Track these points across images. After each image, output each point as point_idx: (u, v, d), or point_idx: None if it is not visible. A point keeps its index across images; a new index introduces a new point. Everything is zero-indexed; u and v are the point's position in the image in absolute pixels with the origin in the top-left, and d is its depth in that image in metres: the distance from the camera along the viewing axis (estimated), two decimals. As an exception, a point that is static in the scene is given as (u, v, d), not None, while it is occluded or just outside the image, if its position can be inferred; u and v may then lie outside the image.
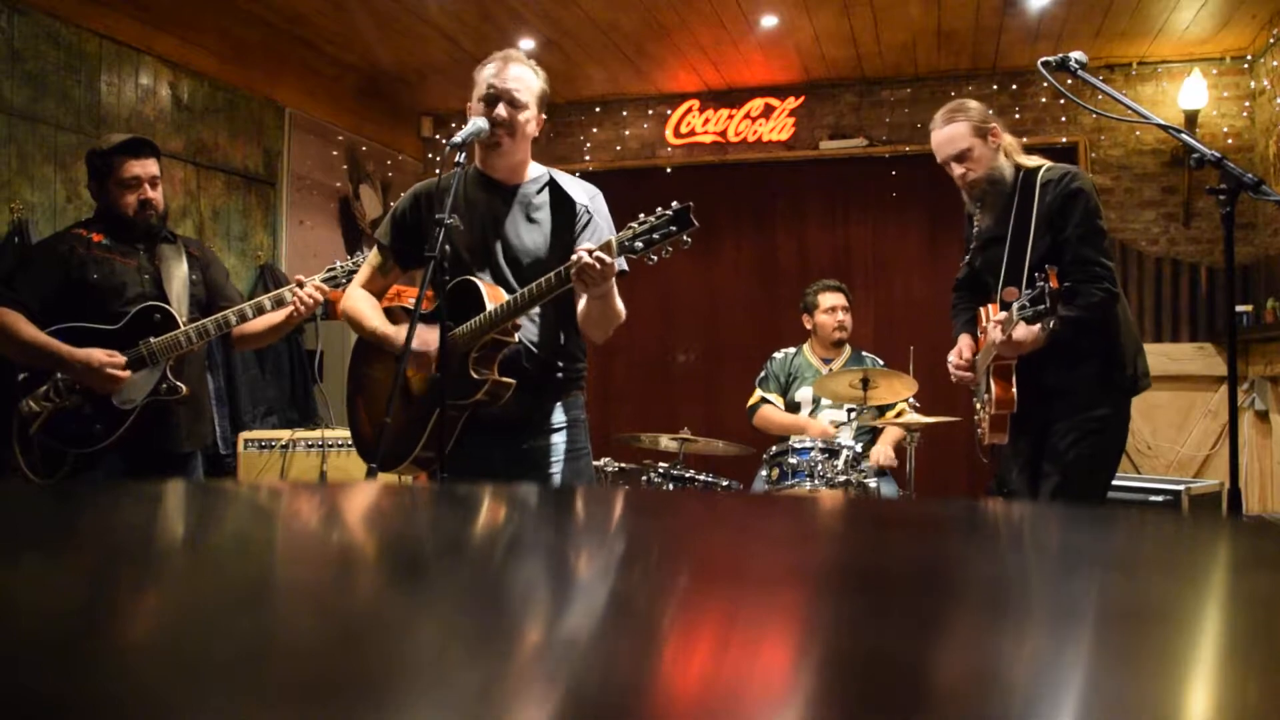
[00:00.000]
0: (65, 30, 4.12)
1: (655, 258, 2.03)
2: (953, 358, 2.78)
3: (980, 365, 2.70)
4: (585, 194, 2.28)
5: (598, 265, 1.97)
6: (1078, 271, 2.45)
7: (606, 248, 2.00)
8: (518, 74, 2.21)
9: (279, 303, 2.66)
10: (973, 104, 2.69)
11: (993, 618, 0.41)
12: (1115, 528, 0.69)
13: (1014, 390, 2.57)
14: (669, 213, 2.01)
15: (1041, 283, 2.29)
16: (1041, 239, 2.53)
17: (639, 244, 2.00)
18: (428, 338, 2.17)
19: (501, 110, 2.18)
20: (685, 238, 2.00)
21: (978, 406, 2.77)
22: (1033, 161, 2.64)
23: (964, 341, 2.80)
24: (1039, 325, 2.39)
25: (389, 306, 2.36)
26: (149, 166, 2.67)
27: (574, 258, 2.00)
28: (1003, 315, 2.47)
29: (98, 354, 2.53)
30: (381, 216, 5.80)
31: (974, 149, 2.61)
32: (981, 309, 2.75)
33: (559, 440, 2.25)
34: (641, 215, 2.03)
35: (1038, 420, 2.59)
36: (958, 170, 2.65)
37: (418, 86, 6.04)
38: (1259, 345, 5.00)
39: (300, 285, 2.66)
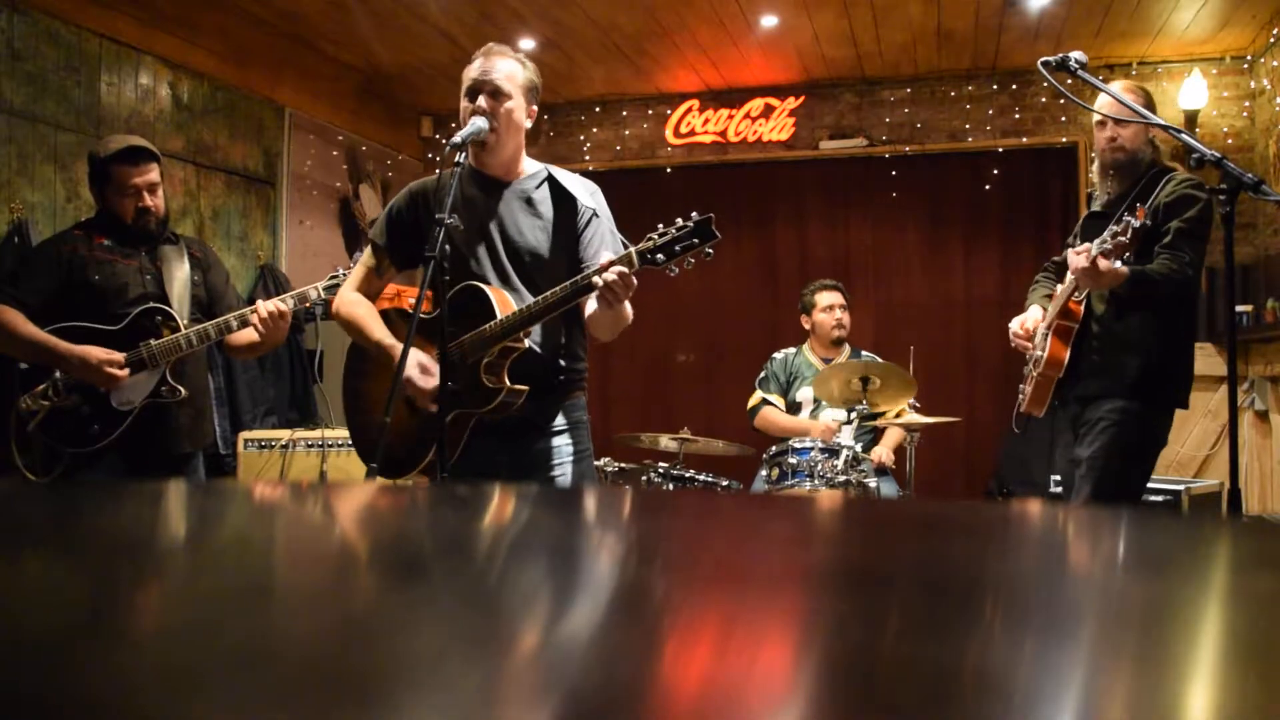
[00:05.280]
0: (65, 30, 4.12)
1: (676, 269, 1.99)
2: (1015, 325, 2.84)
3: (1044, 325, 2.75)
4: (586, 190, 2.26)
5: (625, 285, 1.95)
6: (1166, 253, 2.50)
7: (628, 261, 1.97)
8: (499, 65, 2.18)
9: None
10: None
11: (992, 618, 0.41)
12: (1115, 528, 0.69)
13: (1067, 352, 2.62)
14: (690, 224, 1.97)
15: (1128, 218, 2.34)
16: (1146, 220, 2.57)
17: (660, 255, 1.97)
18: (430, 349, 2.14)
19: (483, 101, 2.15)
20: (707, 249, 1.97)
21: (1026, 371, 2.81)
22: (1172, 165, 2.71)
23: (1032, 312, 2.86)
24: (1119, 260, 2.43)
25: (386, 309, 2.32)
26: (147, 174, 2.66)
27: (590, 272, 1.98)
28: (1084, 245, 2.50)
29: (95, 351, 2.53)
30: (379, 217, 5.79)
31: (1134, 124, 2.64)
32: (1060, 284, 2.79)
33: (562, 442, 2.23)
34: (661, 226, 2.00)
35: (1079, 396, 2.64)
36: (1109, 130, 2.68)
37: (418, 86, 6.04)
38: (1259, 345, 5.00)
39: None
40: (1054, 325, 2.66)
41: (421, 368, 2.10)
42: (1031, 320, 2.82)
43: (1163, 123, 2.45)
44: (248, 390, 4.74)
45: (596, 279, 1.97)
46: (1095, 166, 2.77)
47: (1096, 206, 2.77)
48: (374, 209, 6.07)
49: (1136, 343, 2.56)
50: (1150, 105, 2.63)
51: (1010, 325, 2.86)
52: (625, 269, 1.96)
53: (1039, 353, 2.72)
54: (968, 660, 0.33)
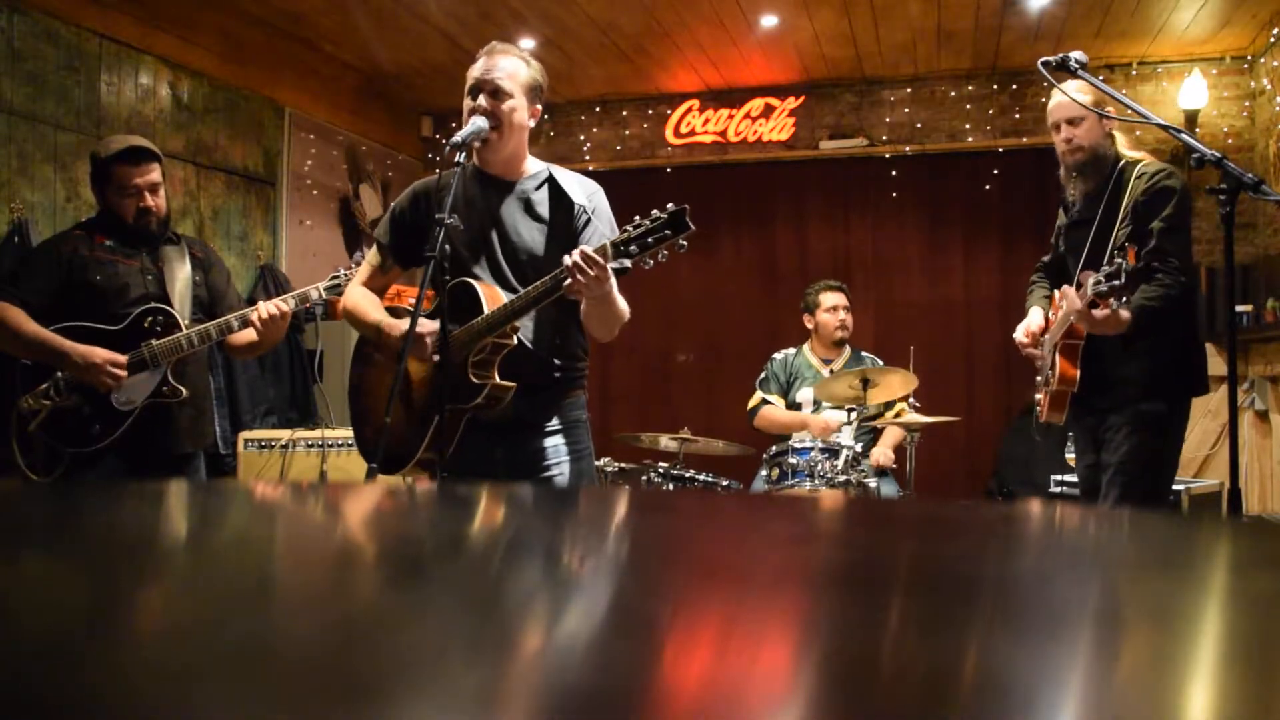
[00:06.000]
0: (65, 30, 4.12)
1: (651, 262, 1.98)
2: (1020, 334, 2.81)
3: (1049, 340, 2.74)
4: (584, 192, 2.26)
5: (589, 270, 1.94)
6: (1157, 259, 2.48)
7: (600, 252, 1.96)
8: (502, 64, 2.18)
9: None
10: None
11: (993, 618, 0.41)
12: (1115, 528, 0.69)
13: (1078, 370, 2.61)
14: (663, 216, 1.96)
15: (1120, 260, 2.32)
16: (1125, 228, 2.56)
17: (633, 248, 1.96)
18: (428, 327, 2.14)
19: (483, 100, 2.16)
20: (681, 241, 1.95)
21: (1039, 382, 2.80)
22: (1135, 155, 2.68)
23: (1034, 316, 2.83)
24: (1119, 307, 2.39)
25: (390, 307, 2.34)
26: (148, 174, 2.66)
27: (564, 267, 1.98)
28: (1086, 282, 2.48)
29: (100, 351, 2.54)
30: (382, 216, 5.79)
31: (1088, 119, 2.63)
32: (1058, 290, 2.78)
33: (560, 441, 2.23)
34: (637, 218, 1.98)
35: (1096, 408, 2.64)
36: (1065, 133, 2.67)
37: (418, 86, 6.04)
38: (1259, 345, 5.00)
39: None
40: (1060, 345, 2.64)
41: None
42: (1035, 325, 2.80)
43: (1162, 122, 2.45)
44: (248, 390, 4.74)
45: (566, 264, 1.97)
46: (1061, 171, 2.75)
47: (1075, 211, 2.74)
48: (374, 209, 6.07)
49: (1144, 349, 2.55)
50: (1105, 102, 2.63)
51: (1015, 335, 2.83)
52: (594, 258, 1.94)
53: (1049, 370, 2.71)
54: (967, 660, 0.33)
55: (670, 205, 1.97)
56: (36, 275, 2.62)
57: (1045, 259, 3.00)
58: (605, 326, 2.19)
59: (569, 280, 1.97)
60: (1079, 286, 2.50)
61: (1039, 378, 2.81)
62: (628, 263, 1.99)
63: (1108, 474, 2.60)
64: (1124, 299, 2.36)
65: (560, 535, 0.66)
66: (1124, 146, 2.70)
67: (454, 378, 2.09)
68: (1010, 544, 0.65)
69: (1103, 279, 2.34)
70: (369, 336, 2.29)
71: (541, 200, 2.24)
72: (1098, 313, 2.41)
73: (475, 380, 2.11)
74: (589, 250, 1.96)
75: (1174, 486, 4.11)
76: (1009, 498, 5.12)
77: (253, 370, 4.79)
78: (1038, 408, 2.80)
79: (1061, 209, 2.87)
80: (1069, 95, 2.57)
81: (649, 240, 1.96)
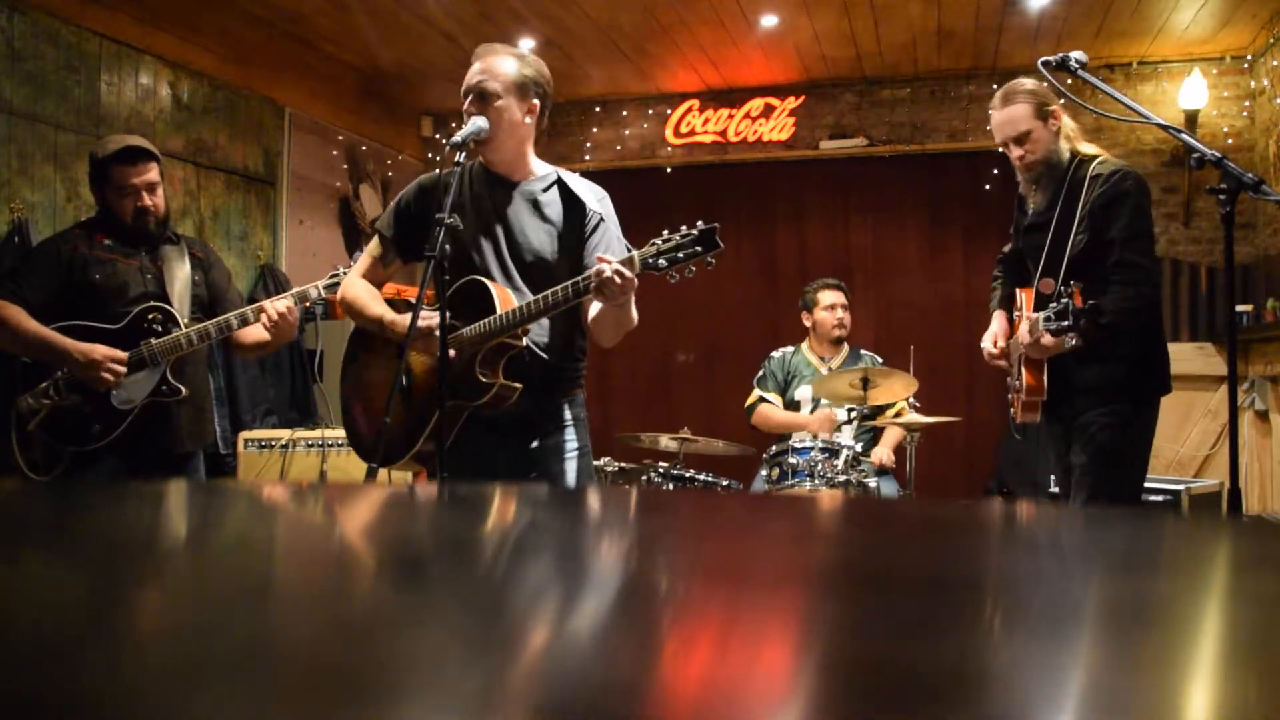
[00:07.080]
0: (65, 30, 4.12)
1: (677, 276, 2.01)
2: (987, 345, 2.81)
3: (1013, 352, 2.74)
4: (594, 196, 2.26)
5: (618, 280, 1.96)
6: (1121, 273, 2.47)
7: (629, 263, 1.99)
8: (488, 66, 2.19)
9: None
10: (1033, 84, 2.64)
11: (993, 618, 0.41)
12: (1115, 528, 0.69)
13: (1044, 380, 2.62)
14: (694, 233, 1.99)
15: (1066, 299, 2.31)
16: (1083, 232, 2.55)
17: (662, 261, 1.99)
18: (432, 322, 2.13)
19: (470, 105, 2.18)
20: (710, 259, 1.99)
21: (1009, 383, 2.81)
22: (1089, 150, 2.64)
23: (998, 325, 2.83)
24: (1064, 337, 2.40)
25: (390, 299, 2.34)
26: (145, 174, 2.65)
27: (594, 270, 1.98)
28: (1033, 316, 2.49)
29: (100, 348, 2.54)
30: (383, 213, 5.80)
31: (1034, 131, 2.60)
32: (1019, 290, 2.78)
33: (560, 440, 2.24)
34: (665, 232, 2.02)
35: (1067, 412, 2.63)
36: (1016, 152, 2.63)
37: (418, 86, 6.03)
38: (1259, 345, 5.00)
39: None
40: (1024, 357, 2.64)
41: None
42: (1003, 335, 2.80)
43: (1162, 122, 2.45)
44: (248, 390, 4.74)
45: (594, 271, 1.98)
46: (1020, 181, 2.71)
47: (1032, 213, 2.70)
48: (374, 209, 6.07)
49: (1108, 354, 2.54)
50: (1048, 102, 2.60)
51: (982, 345, 2.83)
52: (624, 269, 1.97)
53: (1016, 380, 2.71)
54: (967, 660, 0.33)
55: (700, 223, 2.00)
56: (36, 273, 2.62)
57: (1006, 249, 2.98)
58: (615, 333, 2.20)
59: (596, 288, 1.98)
60: (1039, 297, 2.51)
61: (1009, 379, 2.81)
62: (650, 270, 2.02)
63: (1075, 475, 2.60)
64: (1073, 339, 2.37)
65: (560, 535, 0.66)
66: (1076, 137, 2.65)
67: (457, 374, 2.10)
68: (1010, 544, 0.65)
69: (1052, 316, 2.34)
70: (371, 330, 2.29)
71: (550, 202, 2.25)
72: (1045, 340, 2.43)
73: (483, 379, 2.11)
74: (618, 264, 1.97)
75: (1175, 487, 4.13)
76: (1009, 497, 5.12)
77: (253, 370, 4.79)
78: (1011, 410, 2.81)
79: (1017, 205, 2.84)
80: (1050, 78, 2.52)
81: (679, 255, 1.99)
